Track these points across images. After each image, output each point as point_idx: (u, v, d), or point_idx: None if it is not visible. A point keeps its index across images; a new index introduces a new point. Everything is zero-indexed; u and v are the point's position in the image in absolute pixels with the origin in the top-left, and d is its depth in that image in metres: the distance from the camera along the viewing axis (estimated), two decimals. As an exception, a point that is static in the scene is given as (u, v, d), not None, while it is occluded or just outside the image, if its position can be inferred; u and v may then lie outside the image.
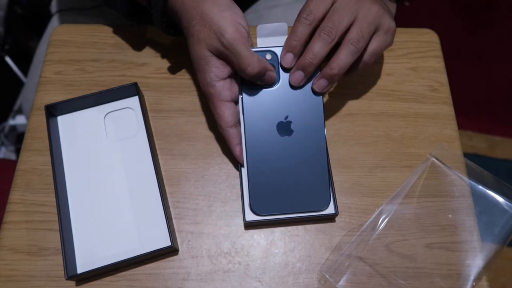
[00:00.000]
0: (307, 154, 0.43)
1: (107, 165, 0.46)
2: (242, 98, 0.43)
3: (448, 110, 0.51)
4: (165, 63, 0.52)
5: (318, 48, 0.40)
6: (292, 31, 0.41)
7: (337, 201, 0.43)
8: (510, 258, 1.05)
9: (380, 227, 0.43)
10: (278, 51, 0.43)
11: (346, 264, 0.42)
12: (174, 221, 0.44)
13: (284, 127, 0.43)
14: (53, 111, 0.46)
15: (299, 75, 0.42)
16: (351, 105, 0.50)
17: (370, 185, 0.46)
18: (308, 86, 0.43)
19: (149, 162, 0.44)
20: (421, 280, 0.41)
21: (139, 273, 0.42)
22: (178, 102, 0.50)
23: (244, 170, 0.43)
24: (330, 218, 0.44)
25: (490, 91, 1.33)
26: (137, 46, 0.53)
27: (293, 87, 0.43)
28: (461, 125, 0.53)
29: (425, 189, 0.45)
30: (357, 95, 0.51)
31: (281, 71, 0.43)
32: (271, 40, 0.43)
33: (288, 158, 0.43)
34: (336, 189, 0.45)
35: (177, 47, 0.53)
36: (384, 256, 0.42)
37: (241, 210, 0.44)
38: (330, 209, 0.43)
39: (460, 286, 0.41)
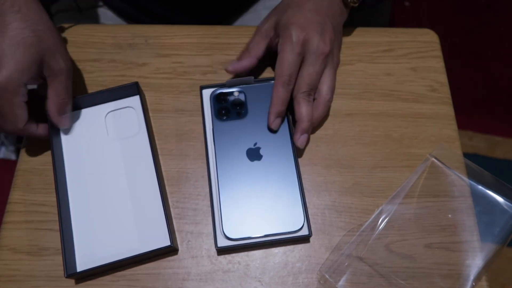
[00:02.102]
0: (278, 176, 0.44)
1: (108, 164, 0.46)
2: (212, 129, 0.46)
3: (448, 110, 0.51)
4: (165, 63, 0.52)
5: (307, 111, 0.44)
6: (276, 96, 0.44)
7: (338, 200, 0.44)
8: (510, 258, 1.05)
9: (380, 227, 0.43)
10: (246, 89, 0.48)
11: (346, 264, 0.42)
12: (174, 221, 0.44)
13: (254, 153, 0.45)
14: None
15: (305, 138, 0.45)
16: (351, 105, 0.50)
17: (370, 185, 0.46)
18: None
19: (150, 161, 0.44)
20: (421, 280, 0.41)
21: (139, 273, 0.42)
22: (178, 102, 0.50)
23: (215, 196, 0.43)
24: (305, 239, 0.43)
25: (490, 91, 1.33)
26: (137, 46, 0.53)
27: (260, 117, 0.47)
28: (461, 125, 0.53)
29: (425, 189, 0.46)
30: (357, 95, 0.51)
31: (248, 104, 0.47)
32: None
33: (259, 182, 0.44)
34: (336, 189, 0.45)
35: (178, 47, 0.53)
36: (384, 256, 0.42)
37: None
38: (304, 231, 0.42)
39: (460, 286, 0.41)
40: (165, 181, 0.46)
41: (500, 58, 1.37)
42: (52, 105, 0.42)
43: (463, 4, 1.46)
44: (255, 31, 0.48)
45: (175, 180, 0.46)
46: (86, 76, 0.51)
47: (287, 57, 0.44)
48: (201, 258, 0.43)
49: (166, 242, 0.41)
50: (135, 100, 0.48)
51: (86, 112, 0.48)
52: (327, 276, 0.41)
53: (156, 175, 0.43)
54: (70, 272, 0.40)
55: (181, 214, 0.44)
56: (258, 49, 0.47)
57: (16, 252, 0.42)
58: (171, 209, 0.45)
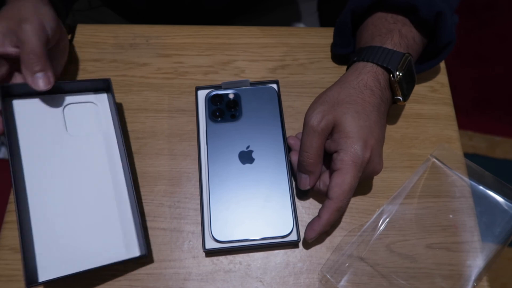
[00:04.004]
0: (269, 181, 0.44)
1: (69, 164, 0.42)
2: (206, 131, 0.46)
3: (448, 110, 0.51)
4: (166, 63, 0.52)
5: (334, 220, 0.40)
6: (328, 219, 0.39)
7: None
8: (510, 258, 1.05)
9: (381, 228, 0.44)
10: (242, 91, 0.48)
11: (347, 264, 0.42)
12: (175, 220, 0.44)
13: (246, 156, 0.45)
14: (9, 91, 0.43)
15: (316, 235, 0.41)
16: (352, 106, 0.50)
17: (371, 186, 0.46)
18: (268, 118, 0.46)
19: (118, 164, 0.43)
20: (422, 281, 0.42)
21: (140, 273, 0.42)
22: (179, 102, 0.50)
23: (205, 197, 0.43)
24: (294, 244, 0.43)
25: (490, 91, 1.33)
26: (139, 46, 0.53)
27: (254, 120, 0.46)
28: (461, 125, 0.53)
29: (426, 190, 0.46)
30: (358, 96, 0.51)
31: (243, 106, 0.47)
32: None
33: (250, 185, 0.43)
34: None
35: (179, 47, 0.53)
36: (385, 257, 0.42)
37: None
38: (293, 236, 0.42)
39: (461, 287, 0.41)
40: (166, 181, 0.46)
41: (500, 58, 1.37)
42: (21, 66, 0.41)
43: (463, 4, 1.46)
44: (307, 129, 0.40)
45: (177, 180, 0.46)
46: (87, 76, 0.51)
47: (351, 182, 0.38)
48: (202, 258, 0.43)
49: (134, 252, 0.40)
50: (101, 97, 0.46)
51: (43, 100, 0.44)
52: (328, 276, 0.41)
53: (126, 178, 0.42)
54: (31, 281, 0.37)
55: (182, 214, 0.44)
56: (321, 155, 0.41)
57: (16, 252, 0.42)
58: (173, 209, 0.45)
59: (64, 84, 0.44)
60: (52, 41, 0.43)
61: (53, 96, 0.45)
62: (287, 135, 0.46)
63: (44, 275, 0.38)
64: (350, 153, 0.38)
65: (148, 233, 0.43)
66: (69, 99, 0.45)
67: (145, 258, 0.42)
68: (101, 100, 0.46)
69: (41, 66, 0.41)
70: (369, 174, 0.41)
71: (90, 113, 0.45)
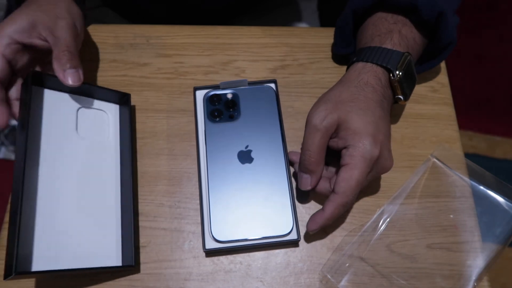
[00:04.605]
0: (269, 180, 0.44)
1: (71, 163, 0.42)
2: (204, 131, 0.46)
3: (449, 111, 0.51)
4: (167, 63, 0.52)
5: (338, 214, 0.40)
6: (331, 213, 0.39)
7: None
8: (511, 258, 1.05)
9: (382, 228, 0.44)
10: (240, 91, 0.48)
11: (348, 264, 0.42)
12: (175, 221, 0.44)
13: (245, 156, 0.45)
14: (40, 79, 0.42)
15: (318, 228, 0.40)
16: (352, 106, 0.50)
17: (371, 185, 0.46)
18: (266, 117, 0.46)
19: (113, 175, 0.44)
20: (422, 281, 0.42)
21: (141, 272, 0.42)
22: (180, 102, 0.50)
23: (205, 197, 0.43)
24: (294, 243, 0.43)
25: (490, 91, 1.33)
26: (139, 46, 0.53)
27: (252, 119, 0.46)
28: (461, 125, 0.53)
29: (426, 190, 0.46)
30: (358, 96, 0.51)
31: (241, 107, 0.47)
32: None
33: (250, 185, 0.43)
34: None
35: (179, 47, 0.53)
36: (386, 257, 0.42)
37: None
38: (293, 235, 0.42)
39: (461, 287, 0.41)
40: (167, 181, 0.46)
41: (500, 59, 1.37)
42: (54, 60, 0.41)
43: (463, 4, 1.45)
44: (310, 128, 0.40)
45: (177, 180, 0.46)
46: (87, 76, 0.51)
47: (359, 177, 0.38)
48: (202, 258, 0.43)
49: (116, 261, 0.40)
50: (112, 107, 0.47)
51: (62, 96, 0.44)
52: (329, 276, 0.41)
53: (127, 195, 0.42)
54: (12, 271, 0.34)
55: (183, 214, 0.44)
56: (323, 155, 0.41)
57: (17, 252, 0.42)
58: (173, 209, 0.45)
59: (87, 87, 0.45)
60: (80, 39, 0.45)
61: (71, 95, 0.45)
62: (287, 135, 0.46)
63: (36, 266, 0.37)
64: (358, 148, 0.38)
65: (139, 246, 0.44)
66: (84, 102, 0.45)
67: (132, 269, 0.42)
68: (112, 111, 0.47)
69: (75, 63, 0.41)
70: (379, 170, 0.40)
71: (99, 120, 0.46)
